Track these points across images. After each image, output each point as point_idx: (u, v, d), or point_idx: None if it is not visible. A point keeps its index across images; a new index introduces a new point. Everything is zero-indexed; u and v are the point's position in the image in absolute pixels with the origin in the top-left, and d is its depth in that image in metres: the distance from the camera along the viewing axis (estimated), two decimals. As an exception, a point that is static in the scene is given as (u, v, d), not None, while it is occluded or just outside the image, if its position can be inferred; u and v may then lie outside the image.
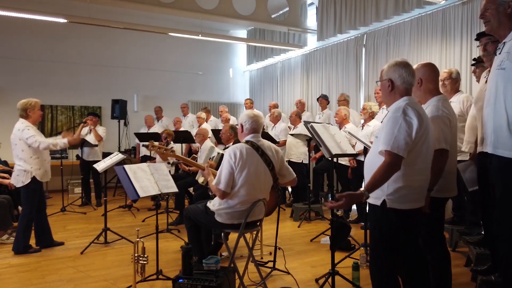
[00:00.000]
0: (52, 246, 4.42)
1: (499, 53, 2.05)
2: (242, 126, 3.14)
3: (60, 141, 4.39)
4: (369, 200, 2.15)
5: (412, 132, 2.04)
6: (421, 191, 2.18)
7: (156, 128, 7.73)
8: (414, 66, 2.67)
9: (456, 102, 3.73)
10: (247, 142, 3.06)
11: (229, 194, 2.97)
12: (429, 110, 2.50)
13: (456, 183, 2.69)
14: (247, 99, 8.35)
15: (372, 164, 2.15)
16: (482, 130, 2.41)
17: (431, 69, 2.62)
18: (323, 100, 6.97)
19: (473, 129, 3.16)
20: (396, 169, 2.04)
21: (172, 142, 6.57)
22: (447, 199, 2.70)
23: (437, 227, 2.65)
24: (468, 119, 3.43)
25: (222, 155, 4.61)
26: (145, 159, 7.03)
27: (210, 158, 4.92)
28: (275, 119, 6.92)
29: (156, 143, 3.67)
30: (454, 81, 3.84)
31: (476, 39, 3.31)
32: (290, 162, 6.27)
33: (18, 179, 4.22)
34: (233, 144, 4.62)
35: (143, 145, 7.13)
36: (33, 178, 4.21)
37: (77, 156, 6.83)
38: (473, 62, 3.65)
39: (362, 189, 2.07)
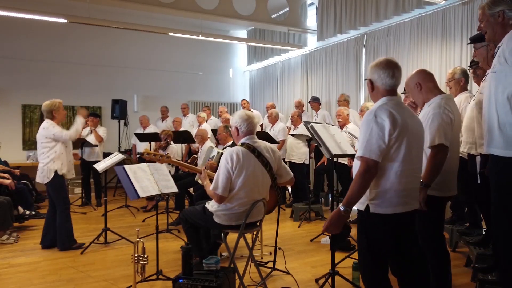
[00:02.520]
0: (54, 247, 4.41)
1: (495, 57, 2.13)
2: (237, 129, 3.09)
3: (78, 121, 4.58)
4: (355, 205, 2.10)
5: (384, 134, 1.98)
6: (408, 193, 2.08)
7: (152, 128, 7.70)
8: (408, 77, 2.74)
9: (457, 102, 3.73)
10: (242, 144, 3.04)
11: (227, 198, 2.97)
12: (431, 107, 2.53)
13: (456, 182, 2.71)
14: (243, 99, 8.36)
15: (357, 168, 2.14)
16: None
17: (425, 72, 2.71)
18: (313, 103, 7.02)
19: (472, 130, 3.17)
20: (372, 175, 1.99)
21: (172, 142, 6.57)
22: (447, 199, 2.70)
23: (436, 227, 2.65)
24: (466, 120, 3.44)
25: (222, 154, 4.61)
26: (143, 159, 7.01)
27: (210, 158, 4.92)
28: (274, 119, 6.93)
29: (151, 151, 3.65)
30: (457, 81, 3.81)
31: (469, 43, 3.36)
32: (291, 163, 6.29)
33: (43, 176, 4.30)
34: (232, 143, 4.63)
35: (137, 153, 7.16)
36: (56, 173, 4.28)
37: (77, 156, 6.83)
38: (471, 64, 3.67)
39: (340, 205, 2.04)
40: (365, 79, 2.47)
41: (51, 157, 4.28)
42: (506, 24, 2.08)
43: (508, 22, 2.07)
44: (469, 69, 3.87)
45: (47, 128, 4.29)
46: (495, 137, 2.04)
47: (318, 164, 6.39)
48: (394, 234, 2.12)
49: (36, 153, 7.70)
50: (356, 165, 2.13)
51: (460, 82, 3.78)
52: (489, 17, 2.13)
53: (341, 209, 2.03)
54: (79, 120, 4.61)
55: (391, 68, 2.14)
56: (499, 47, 2.11)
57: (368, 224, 2.12)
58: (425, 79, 2.65)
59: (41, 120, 8.01)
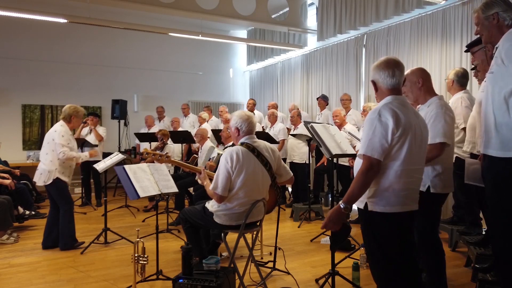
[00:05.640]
0: (56, 247, 4.40)
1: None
2: (237, 129, 3.09)
3: (82, 154, 4.64)
4: (355, 203, 2.09)
5: (387, 133, 1.97)
6: (407, 194, 2.05)
7: (157, 128, 7.72)
8: (409, 70, 2.76)
9: (450, 103, 3.79)
10: (242, 144, 3.04)
11: (227, 197, 2.98)
12: (433, 107, 2.60)
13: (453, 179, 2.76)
14: (251, 99, 8.28)
15: (359, 166, 2.10)
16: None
17: (426, 72, 2.78)
18: (322, 101, 6.99)
19: (475, 129, 3.19)
20: (375, 173, 1.98)
21: (172, 142, 6.56)
22: (445, 196, 2.73)
23: (433, 222, 2.67)
24: (469, 120, 3.46)
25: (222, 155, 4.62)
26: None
27: (209, 159, 4.92)
28: (273, 119, 6.94)
29: (151, 150, 3.64)
30: (448, 82, 4.00)
31: (466, 51, 3.42)
32: (293, 163, 6.28)
33: (40, 178, 4.27)
34: (233, 143, 4.63)
35: (137, 153, 7.18)
36: (57, 178, 4.26)
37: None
38: (473, 66, 3.71)
39: (340, 202, 2.03)
40: (371, 80, 2.46)
41: (54, 161, 4.25)
42: (501, 25, 2.11)
43: (503, 23, 2.10)
44: (472, 69, 3.91)
45: (59, 134, 4.24)
46: (492, 138, 2.05)
47: (318, 164, 6.39)
48: (398, 232, 2.09)
49: (37, 153, 7.81)
50: (358, 163, 2.12)
51: (451, 83, 3.98)
52: (484, 20, 2.17)
53: (341, 206, 2.01)
54: (84, 156, 4.61)
55: (391, 67, 2.12)
56: (496, 48, 2.13)
57: (372, 223, 2.10)
58: (427, 78, 2.73)
59: (42, 120, 8.15)
